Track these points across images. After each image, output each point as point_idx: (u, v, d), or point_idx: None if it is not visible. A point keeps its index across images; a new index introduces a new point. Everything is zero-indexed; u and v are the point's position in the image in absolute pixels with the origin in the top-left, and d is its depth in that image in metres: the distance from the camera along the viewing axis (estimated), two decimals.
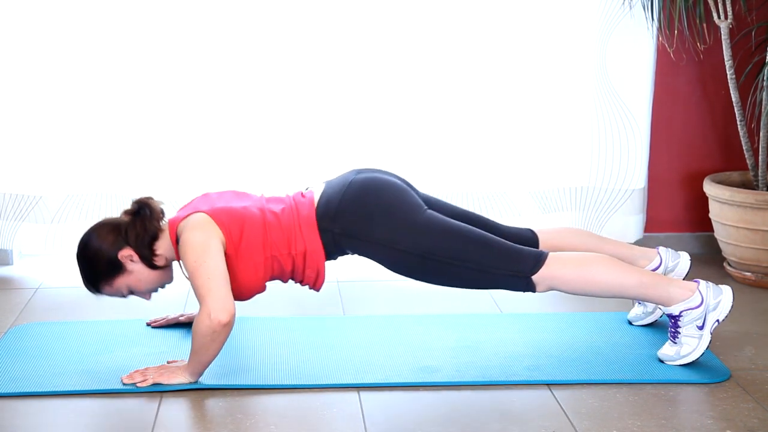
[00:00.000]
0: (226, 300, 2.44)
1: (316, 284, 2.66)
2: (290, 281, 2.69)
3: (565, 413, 2.37)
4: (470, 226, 2.62)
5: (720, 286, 2.61)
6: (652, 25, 3.40)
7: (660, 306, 2.61)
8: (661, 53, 3.53)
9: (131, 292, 2.64)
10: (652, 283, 2.57)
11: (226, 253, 2.52)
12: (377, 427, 2.31)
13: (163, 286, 2.69)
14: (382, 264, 2.63)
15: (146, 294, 2.66)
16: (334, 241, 2.60)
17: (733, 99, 3.36)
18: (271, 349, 2.74)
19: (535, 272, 2.56)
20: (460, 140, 3.51)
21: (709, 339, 2.57)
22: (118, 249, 2.57)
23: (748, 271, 3.34)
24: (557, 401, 2.44)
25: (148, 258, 2.59)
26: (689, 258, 2.84)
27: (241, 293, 2.59)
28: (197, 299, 2.46)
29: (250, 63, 3.41)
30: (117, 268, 2.58)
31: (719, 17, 3.29)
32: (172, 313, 2.96)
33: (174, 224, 2.59)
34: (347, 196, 2.59)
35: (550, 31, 3.44)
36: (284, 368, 2.61)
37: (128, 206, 2.65)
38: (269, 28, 3.39)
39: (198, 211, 2.57)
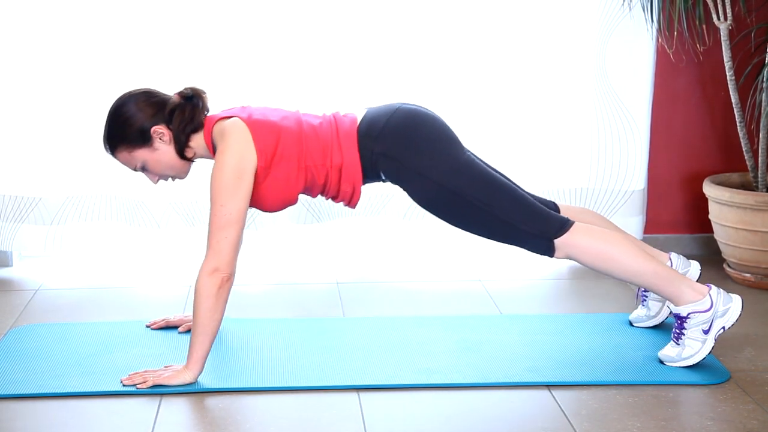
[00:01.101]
0: (233, 260, 2.48)
1: (351, 201, 2.66)
2: (320, 197, 2.68)
3: (565, 415, 2.37)
4: (505, 179, 2.63)
5: (731, 294, 2.62)
6: (652, 27, 3.40)
7: (668, 304, 2.62)
8: (660, 54, 3.53)
9: (143, 169, 2.62)
10: (667, 277, 2.58)
11: (258, 168, 2.52)
12: (377, 429, 2.31)
13: (173, 178, 2.67)
14: (412, 195, 2.63)
15: (155, 177, 2.65)
16: (372, 161, 2.59)
17: (733, 100, 3.36)
18: (271, 351, 2.74)
19: (559, 236, 2.57)
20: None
21: (712, 345, 2.58)
22: (155, 123, 2.56)
23: (748, 273, 3.34)
24: (557, 403, 2.44)
25: (182, 145, 2.58)
26: (699, 268, 2.83)
27: (273, 205, 2.60)
28: (206, 243, 2.48)
29: (244, 66, 3.41)
30: (145, 140, 2.57)
31: (719, 18, 3.29)
32: (172, 315, 2.96)
33: (211, 122, 2.59)
34: (393, 119, 2.60)
35: (550, 33, 3.44)
36: (284, 370, 2.61)
37: (181, 89, 2.62)
38: (262, 31, 3.39)
39: (237, 117, 2.56)
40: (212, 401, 2.45)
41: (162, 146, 2.59)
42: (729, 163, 3.69)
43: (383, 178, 2.65)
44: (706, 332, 2.58)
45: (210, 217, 2.49)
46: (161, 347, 2.76)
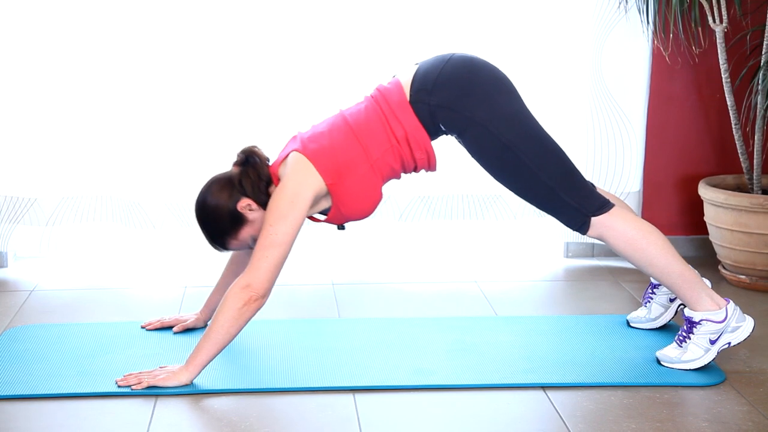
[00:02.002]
0: (269, 281, 2.47)
1: (430, 165, 2.63)
2: (402, 175, 2.66)
3: (560, 416, 2.37)
4: (559, 147, 2.59)
5: (746, 315, 2.64)
6: (648, 29, 3.40)
7: (684, 307, 2.62)
8: (656, 57, 3.53)
9: (255, 241, 2.61)
10: (692, 281, 2.59)
11: (328, 186, 2.52)
12: (372, 430, 2.31)
13: None
14: (467, 145, 2.59)
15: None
16: (431, 114, 2.56)
17: (728, 102, 3.36)
18: (267, 352, 2.74)
19: (597, 215, 2.56)
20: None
21: (714, 356, 2.59)
22: (236, 201, 2.57)
23: (743, 274, 3.35)
24: (552, 404, 2.44)
25: (267, 203, 2.57)
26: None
27: (363, 210, 2.60)
28: (250, 260, 2.48)
29: (244, 66, 3.42)
30: (239, 221, 2.57)
31: (714, 21, 3.30)
32: (167, 315, 2.95)
33: (275, 168, 2.60)
34: (447, 69, 2.56)
35: (546, 35, 3.45)
36: (279, 371, 2.61)
37: (235, 158, 2.63)
38: (263, 34, 3.39)
39: (293, 151, 2.57)
40: (207, 402, 2.44)
41: (255, 214, 2.59)
42: (724, 165, 3.70)
43: (443, 129, 2.60)
44: (712, 342, 2.58)
45: (258, 237, 2.50)
46: (156, 348, 2.76)
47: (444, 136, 2.65)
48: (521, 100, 2.61)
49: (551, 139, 2.59)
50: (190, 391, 2.48)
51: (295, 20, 3.40)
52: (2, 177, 3.44)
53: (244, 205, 2.57)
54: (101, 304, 3.19)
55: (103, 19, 3.33)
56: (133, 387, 2.47)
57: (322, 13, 3.40)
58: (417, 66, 2.63)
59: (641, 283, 3.39)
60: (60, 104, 3.39)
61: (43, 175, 3.44)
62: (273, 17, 3.39)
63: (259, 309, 2.49)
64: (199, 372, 2.50)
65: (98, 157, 3.44)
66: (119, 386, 2.49)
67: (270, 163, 2.64)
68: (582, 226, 2.59)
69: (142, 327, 2.91)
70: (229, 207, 2.57)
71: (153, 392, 2.46)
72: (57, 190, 3.46)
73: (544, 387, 2.53)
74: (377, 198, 2.61)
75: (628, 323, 2.94)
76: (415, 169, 2.65)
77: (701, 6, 3.35)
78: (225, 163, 3.44)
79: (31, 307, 3.15)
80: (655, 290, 2.89)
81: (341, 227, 2.70)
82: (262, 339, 2.83)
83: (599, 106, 3.50)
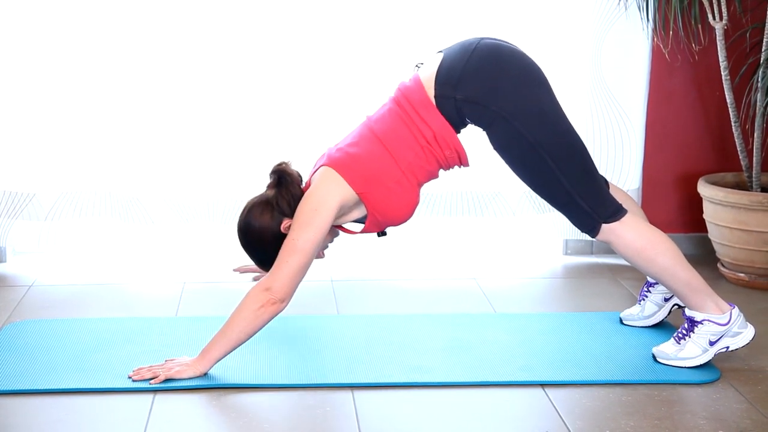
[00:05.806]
0: (289, 286, 2.47)
1: (461, 160, 2.59)
2: (441, 173, 2.64)
3: (558, 413, 2.38)
4: (584, 145, 2.55)
5: (748, 323, 2.64)
6: (648, 26, 3.40)
7: (686, 308, 2.62)
8: (656, 54, 3.53)
9: None
10: (698, 288, 2.59)
11: (359, 195, 2.51)
12: (371, 427, 2.31)
13: (331, 241, 2.69)
14: (491, 138, 2.54)
15: (320, 253, 2.67)
16: (456, 108, 2.50)
17: (728, 100, 3.36)
18: (265, 348, 2.74)
19: (608, 222, 2.54)
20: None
21: (711, 358, 2.59)
22: (279, 222, 2.56)
23: (742, 272, 3.35)
24: (550, 401, 2.44)
25: None
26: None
27: (401, 215, 2.58)
28: (273, 265, 2.49)
29: (244, 60, 3.41)
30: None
31: (714, 18, 3.30)
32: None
33: (308, 189, 2.59)
34: (472, 60, 2.49)
35: (546, 32, 3.45)
36: (278, 367, 2.61)
37: (269, 180, 2.62)
38: (263, 25, 3.39)
39: (321, 166, 2.56)
40: (205, 398, 2.44)
41: None
42: (723, 162, 3.70)
43: (468, 122, 2.56)
44: (711, 344, 2.59)
45: (284, 242, 2.50)
46: (155, 344, 2.76)
47: (471, 126, 2.61)
48: (551, 91, 2.56)
49: (577, 137, 2.54)
50: (187, 387, 2.47)
51: (297, 11, 3.39)
52: (1, 172, 3.43)
53: (287, 225, 2.56)
54: (100, 299, 3.19)
55: (101, 16, 3.33)
56: (151, 382, 2.47)
57: (325, 4, 3.40)
58: (441, 55, 2.57)
59: (640, 280, 3.39)
60: (59, 100, 3.39)
61: (42, 170, 3.44)
62: (272, 11, 3.38)
63: (277, 313, 2.48)
64: (212, 366, 2.51)
65: (97, 152, 3.44)
66: (133, 381, 2.48)
67: (302, 179, 2.63)
68: (592, 230, 2.57)
69: (234, 270, 2.87)
70: (273, 229, 2.56)
71: (161, 387, 2.46)
72: (56, 186, 3.46)
73: (542, 384, 2.53)
74: (413, 203, 2.59)
75: (620, 320, 2.94)
76: (449, 167, 2.62)
77: (701, 3, 3.35)
78: (224, 161, 3.47)
79: (30, 303, 3.15)
80: (650, 289, 2.89)
81: (382, 233, 2.69)
82: (261, 335, 2.81)
83: (599, 103, 3.50)
